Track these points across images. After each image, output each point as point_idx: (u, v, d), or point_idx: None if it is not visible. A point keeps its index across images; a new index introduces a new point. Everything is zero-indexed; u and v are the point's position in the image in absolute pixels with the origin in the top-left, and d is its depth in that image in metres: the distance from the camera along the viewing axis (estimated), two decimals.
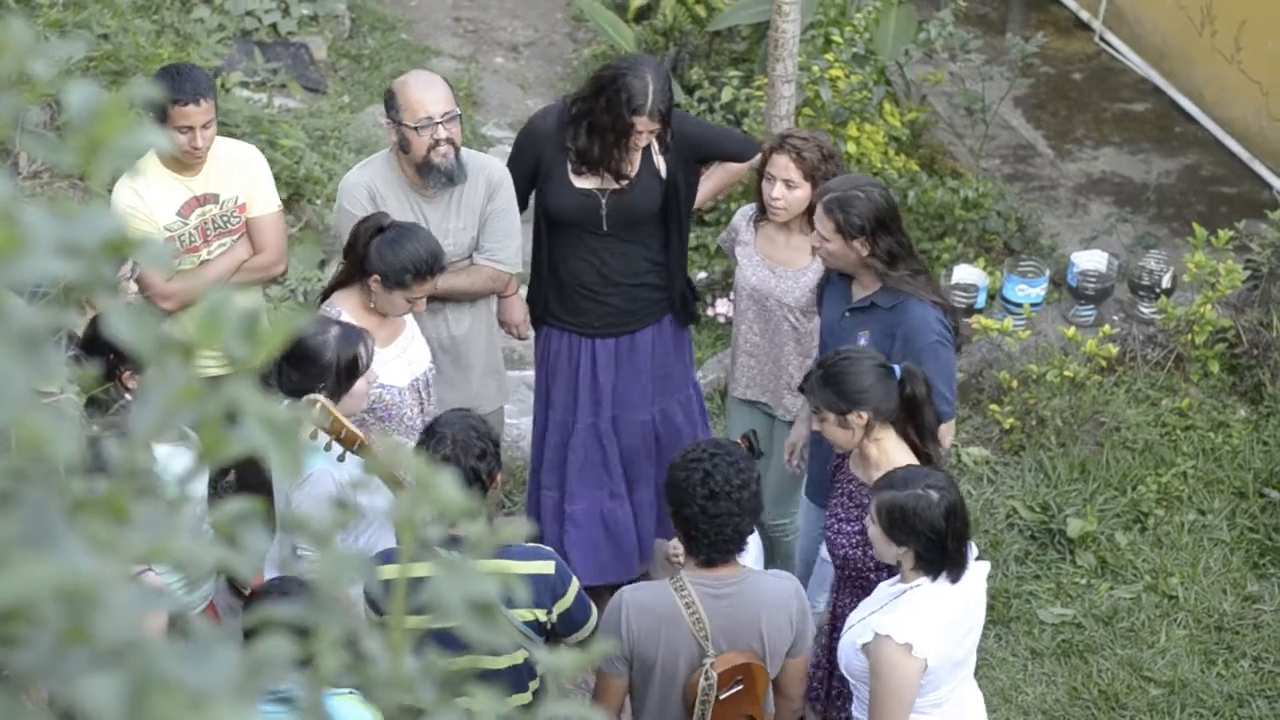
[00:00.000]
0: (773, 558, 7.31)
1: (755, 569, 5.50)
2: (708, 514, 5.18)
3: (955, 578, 5.14)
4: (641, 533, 7.44)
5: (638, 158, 6.78)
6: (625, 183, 6.80)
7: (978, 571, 5.30)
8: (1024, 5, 12.30)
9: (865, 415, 5.50)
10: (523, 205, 6.99)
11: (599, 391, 7.17)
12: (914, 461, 5.49)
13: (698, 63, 11.03)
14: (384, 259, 6.11)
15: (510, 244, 6.84)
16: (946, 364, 6.08)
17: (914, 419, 5.62)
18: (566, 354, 7.16)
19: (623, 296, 7.04)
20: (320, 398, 5.44)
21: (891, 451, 5.54)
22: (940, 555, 5.09)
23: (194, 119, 6.46)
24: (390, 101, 6.59)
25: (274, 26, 11.64)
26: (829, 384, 5.49)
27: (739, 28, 10.97)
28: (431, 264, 6.12)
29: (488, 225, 6.75)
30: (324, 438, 5.37)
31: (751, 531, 5.36)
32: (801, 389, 5.64)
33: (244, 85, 10.69)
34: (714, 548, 5.24)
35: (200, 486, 5.85)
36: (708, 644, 5.26)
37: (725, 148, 7.15)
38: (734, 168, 7.21)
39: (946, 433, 6.21)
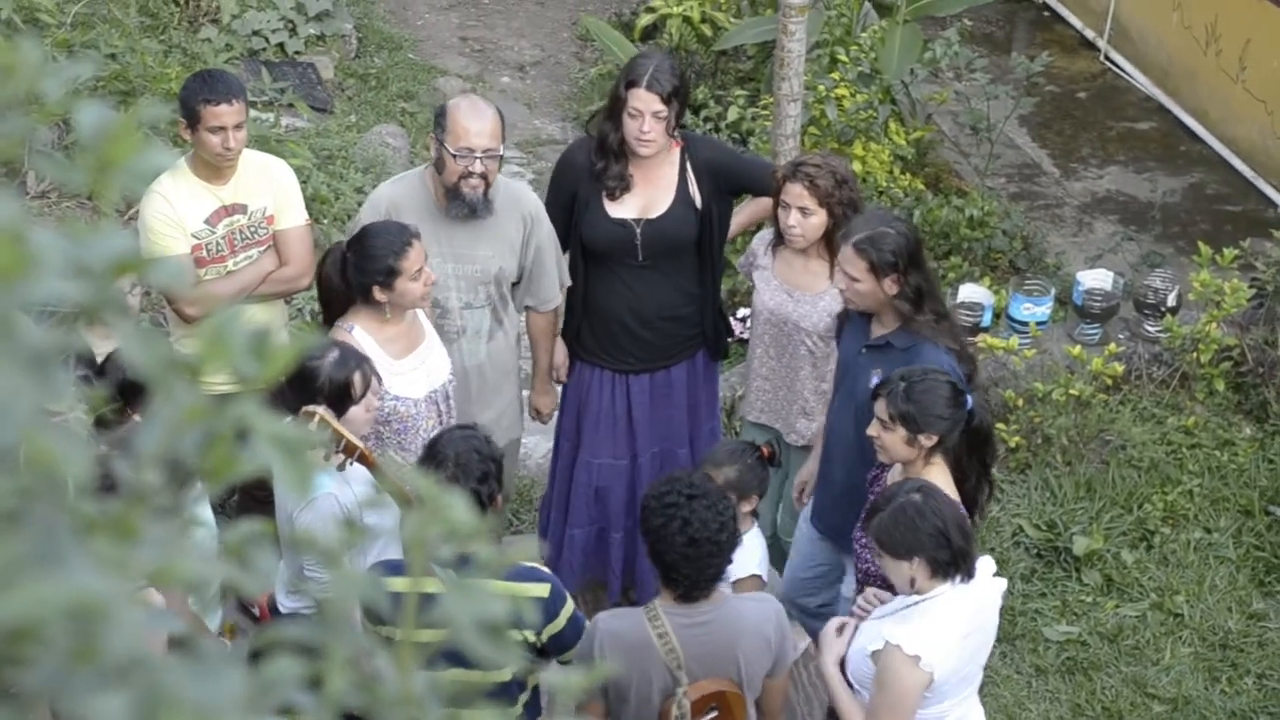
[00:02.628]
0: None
1: (733, 595, 5.47)
2: (689, 559, 5.14)
3: (969, 574, 5.11)
4: (639, 566, 7.41)
5: (652, 143, 6.68)
6: (633, 158, 6.77)
7: (994, 587, 5.29)
8: (1029, 24, 12.33)
9: (935, 438, 5.50)
10: (565, 241, 6.95)
11: (635, 428, 7.15)
12: (954, 494, 5.49)
13: (704, 82, 11.06)
14: (362, 269, 6.08)
15: (554, 280, 6.88)
16: None
17: (979, 451, 5.63)
18: (598, 390, 7.14)
19: (658, 333, 7.02)
20: (319, 409, 5.40)
21: (937, 480, 5.53)
22: (949, 552, 5.05)
23: (226, 119, 6.50)
24: (439, 119, 6.54)
25: (281, 46, 11.67)
26: (911, 399, 5.48)
27: (745, 47, 11.00)
28: (398, 240, 6.02)
29: (534, 266, 6.78)
30: (324, 449, 5.35)
31: (730, 563, 5.34)
32: (874, 395, 5.61)
33: (251, 105, 10.69)
34: (695, 587, 5.22)
35: (205, 509, 5.84)
36: (680, 673, 5.22)
37: (759, 181, 7.04)
38: (766, 202, 7.08)
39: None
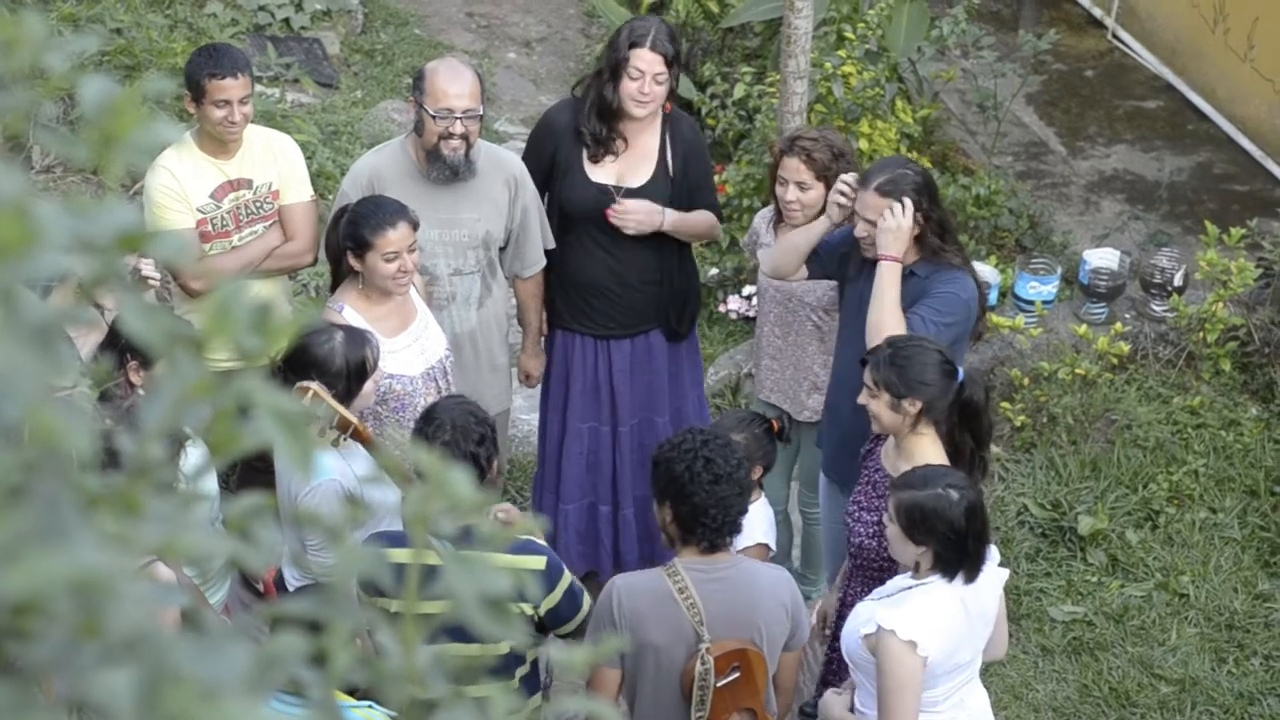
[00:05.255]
0: (807, 547, 7.36)
1: (744, 557, 5.52)
2: (715, 498, 5.17)
3: (971, 578, 5.12)
4: (622, 547, 7.43)
5: (651, 103, 6.71)
6: (625, 125, 6.79)
7: (996, 577, 5.29)
8: (1036, 2, 12.28)
9: (919, 404, 5.49)
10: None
11: (617, 396, 7.15)
12: (945, 465, 5.48)
13: (710, 59, 11.03)
14: (342, 231, 6.12)
15: (539, 244, 6.91)
16: (950, 312, 6.03)
17: (970, 424, 5.62)
18: (581, 358, 7.14)
19: (636, 296, 7.02)
20: (313, 385, 5.40)
21: (928, 451, 5.51)
22: (959, 555, 5.07)
23: (231, 93, 6.51)
24: (418, 81, 6.60)
25: (287, 21, 11.65)
26: (895, 364, 5.47)
27: (752, 24, 10.97)
28: (382, 215, 6.03)
29: (520, 229, 6.79)
30: (322, 425, 5.36)
31: (745, 512, 5.36)
32: (863, 362, 5.61)
33: (257, 80, 10.68)
34: (719, 532, 5.24)
35: (211, 482, 5.85)
36: (703, 629, 5.25)
37: (706, 192, 7.12)
38: (708, 219, 7.14)
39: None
